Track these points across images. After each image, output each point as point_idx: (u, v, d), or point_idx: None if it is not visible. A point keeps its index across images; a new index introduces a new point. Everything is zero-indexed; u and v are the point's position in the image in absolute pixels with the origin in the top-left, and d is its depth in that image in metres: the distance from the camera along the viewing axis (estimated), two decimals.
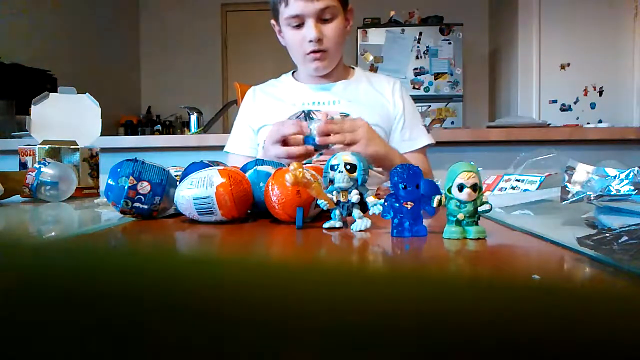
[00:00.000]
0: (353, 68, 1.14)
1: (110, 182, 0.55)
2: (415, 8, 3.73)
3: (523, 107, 3.42)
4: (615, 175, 0.50)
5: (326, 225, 0.50)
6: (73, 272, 0.13)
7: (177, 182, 0.59)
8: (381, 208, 0.45)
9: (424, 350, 0.10)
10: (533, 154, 0.74)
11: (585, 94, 3.31)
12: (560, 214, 0.56)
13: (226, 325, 0.11)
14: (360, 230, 0.48)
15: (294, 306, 0.11)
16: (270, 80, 1.18)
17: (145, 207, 0.56)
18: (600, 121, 3.13)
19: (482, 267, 0.33)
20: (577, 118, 3.29)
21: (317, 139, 0.79)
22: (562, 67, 3.34)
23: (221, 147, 1.16)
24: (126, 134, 3.85)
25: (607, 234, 0.32)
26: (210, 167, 0.56)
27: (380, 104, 1.07)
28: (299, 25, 0.98)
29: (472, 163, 0.42)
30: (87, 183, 0.99)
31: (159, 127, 4.13)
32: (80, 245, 0.14)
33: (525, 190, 0.68)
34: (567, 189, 0.55)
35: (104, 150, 1.13)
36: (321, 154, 0.81)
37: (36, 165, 0.82)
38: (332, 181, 0.50)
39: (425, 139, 1.09)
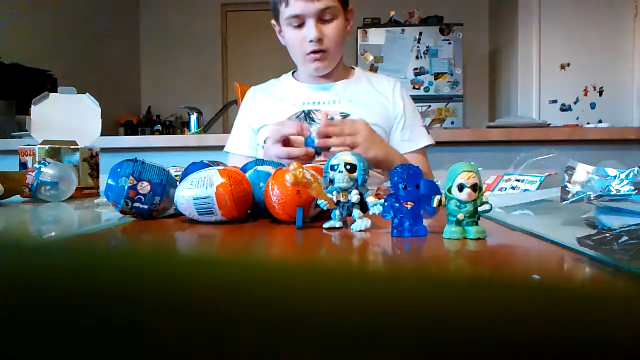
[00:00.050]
0: (353, 68, 1.14)
1: (110, 182, 0.55)
2: (415, 8, 3.73)
3: (523, 107, 3.42)
4: (615, 175, 0.50)
5: (326, 225, 0.50)
6: (73, 272, 0.13)
7: (177, 182, 0.59)
8: (381, 208, 0.46)
9: (424, 350, 0.10)
10: (533, 154, 0.74)
11: (585, 94, 3.31)
12: (560, 214, 0.56)
13: (226, 325, 0.11)
14: (360, 230, 0.48)
15: (294, 306, 0.11)
16: (271, 80, 1.18)
17: (145, 207, 0.56)
18: (600, 121, 3.12)
19: (482, 267, 0.33)
20: (577, 118, 3.29)
21: (317, 141, 0.79)
22: (562, 67, 3.34)
23: (221, 147, 1.16)
24: (126, 134, 3.85)
25: (607, 234, 0.32)
26: (210, 167, 0.56)
27: (381, 104, 1.07)
28: (299, 25, 0.98)
29: (472, 163, 0.42)
30: (87, 183, 0.99)
31: (159, 127, 4.13)
32: (80, 245, 0.14)
33: (525, 190, 0.68)
34: (567, 189, 0.55)
35: (104, 150, 1.13)
36: (319, 155, 0.81)
37: (36, 165, 0.82)
38: (332, 181, 0.50)
39: (426, 140, 1.09)
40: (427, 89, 3.64)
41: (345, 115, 1.02)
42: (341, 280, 0.12)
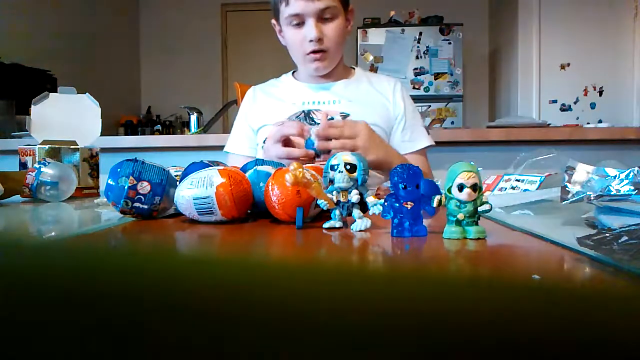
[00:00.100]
0: (353, 68, 1.14)
1: (110, 182, 0.55)
2: (415, 8, 3.73)
3: (523, 107, 3.42)
4: (615, 175, 0.50)
5: (326, 225, 0.50)
6: (73, 272, 0.13)
7: (177, 182, 0.59)
8: (381, 208, 0.45)
9: (424, 350, 0.10)
10: (533, 154, 0.74)
11: (585, 94, 3.32)
12: (560, 214, 0.56)
13: (226, 325, 0.11)
14: (360, 230, 0.48)
15: (294, 306, 0.11)
16: (271, 80, 1.18)
17: (145, 207, 0.56)
18: (600, 121, 3.13)
19: (482, 267, 0.33)
20: (577, 118, 3.29)
21: (317, 144, 0.79)
22: (562, 67, 3.34)
23: (221, 147, 1.16)
24: (126, 134, 3.85)
25: (607, 234, 0.32)
26: (210, 167, 0.56)
27: (381, 104, 1.07)
28: (300, 25, 0.98)
29: (472, 163, 0.42)
30: (87, 183, 0.99)
31: (159, 127, 4.13)
32: (80, 245, 0.14)
33: (525, 190, 0.68)
34: (567, 189, 0.55)
35: (104, 150, 1.13)
36: (319, 157, 0.81)
37: (36, 165, 0.82)
38: (332, 181, 0.50)
39: (426, 140, 1.09)
40: (427, 89, 3.64)
41: (345, 115, 1.02)
42: (341, 280, 0.12)
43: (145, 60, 4.49)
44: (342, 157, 0.49)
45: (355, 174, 0.49)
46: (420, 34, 3.63)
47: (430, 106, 3.63)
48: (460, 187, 0.41)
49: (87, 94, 1.10)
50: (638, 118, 3.19)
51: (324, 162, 0.52)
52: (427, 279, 0.12)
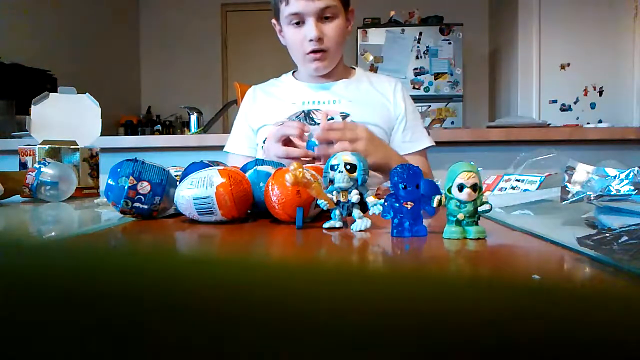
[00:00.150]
0: (354, 68, 1.14)
1: (110, 182, 0.55)
2: (415, 8, 3.73)
3: (523, 107, 3.42)
4: (615, 175, 0.50)
5: (326, 225, 0.50)
6: (73, 272, 0.13)
7: (177, 182, 0.59)
8: (381, 208, 0.45)
9: (424, 350, 0.10)
10: (533, 154, 0.74)
11: (585, 94, 3.32)
12: (560, 214, 0.56)
13: (226, 325, 0.11)
14: (360, 230, 0.48)
15: (294, 306, 0.11)
16: (271, 79, 1.18)
17: (145, 207, 0.56)
18: (600, 121, 3.13)
19: (482, 267, 0.33)
20: (577, 118, 3.29)
21: (316, 150, 0.79)
22: (562, 67, 3.34)
23: (221, 147, 1.16)
24: (126, 134, 3.85)
25: (607, 234, 0.32)
26: (210, 167, 0.56)
27: (381, 104, 1.07)
28: (300, 24, 0.98)
29: (472, 163, 0.42)
30: (87, 183, 0.99)
31: (159, 127, 4.13)
32: (80, 245, 0.14)
33: (525, 190, 0.68)
34: (567, 189, 0.55)
35: (104, 150, 1.13)
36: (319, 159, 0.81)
37: (36, 165, 0.82)
38: (332, 181, 0.50)
39: (426, 141, 1.09)
40: (427, 89, 3.64)
41: (345, 115, 1.02)
42: (341, 280, 0.12)
43: (145, 61, 4.49)
44: (342, 157, 0.49)
45: (355, 174, 0.49)
46: (420, 34, 3.63)
47: (430, 106, 3.63)
48: (460, 187, 0.41)
49: (87, 94, 1.10)
50: (638, 118, 3.19)
51: (324, 162, 0.52)
52: (427, 279, 0.12)
